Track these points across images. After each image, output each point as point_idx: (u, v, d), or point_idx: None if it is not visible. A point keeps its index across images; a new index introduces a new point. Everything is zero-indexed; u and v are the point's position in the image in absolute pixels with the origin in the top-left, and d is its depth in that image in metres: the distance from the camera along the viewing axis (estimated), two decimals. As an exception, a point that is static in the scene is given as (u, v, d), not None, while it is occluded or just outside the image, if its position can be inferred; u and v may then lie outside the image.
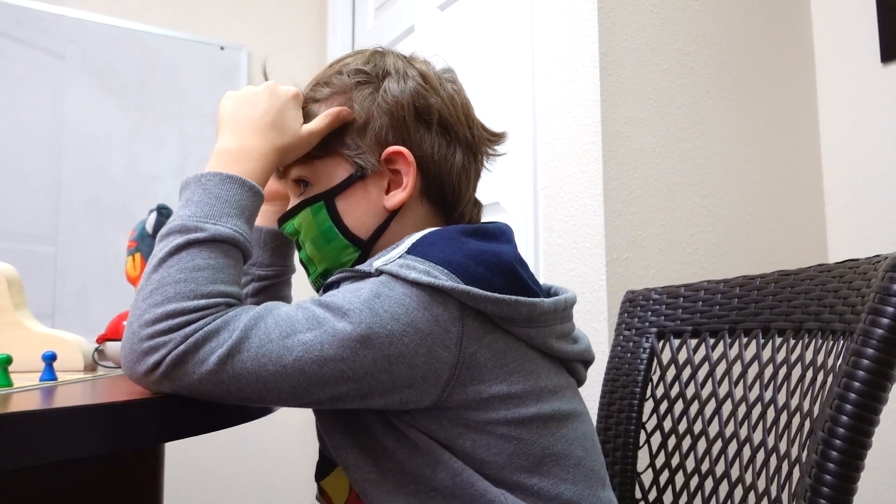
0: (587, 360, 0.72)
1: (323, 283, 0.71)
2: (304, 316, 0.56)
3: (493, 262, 0.61)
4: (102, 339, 0.94)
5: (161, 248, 0.58)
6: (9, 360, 0.62)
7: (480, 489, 0.59)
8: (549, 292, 0.71)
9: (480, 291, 0.58)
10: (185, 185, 0.63)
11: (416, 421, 0.60)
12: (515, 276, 0.62)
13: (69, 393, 0.59)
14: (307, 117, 0.70)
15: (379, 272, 0.59)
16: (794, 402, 0.75)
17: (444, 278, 0.57)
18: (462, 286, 0.57)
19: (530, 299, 0.61)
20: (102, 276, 2.01)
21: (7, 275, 0.91)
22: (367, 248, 0.70)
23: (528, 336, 0.62)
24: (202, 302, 0.55)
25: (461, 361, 0.58)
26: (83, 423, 0.47)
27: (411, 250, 0.61)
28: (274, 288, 0.87)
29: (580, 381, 0.72)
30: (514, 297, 0.60)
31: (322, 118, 0.69)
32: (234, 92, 0.70)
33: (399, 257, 0.60)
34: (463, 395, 0.59)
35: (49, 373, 0.69)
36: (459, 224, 0.72)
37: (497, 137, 0.77)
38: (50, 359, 0.69)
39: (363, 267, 0.61)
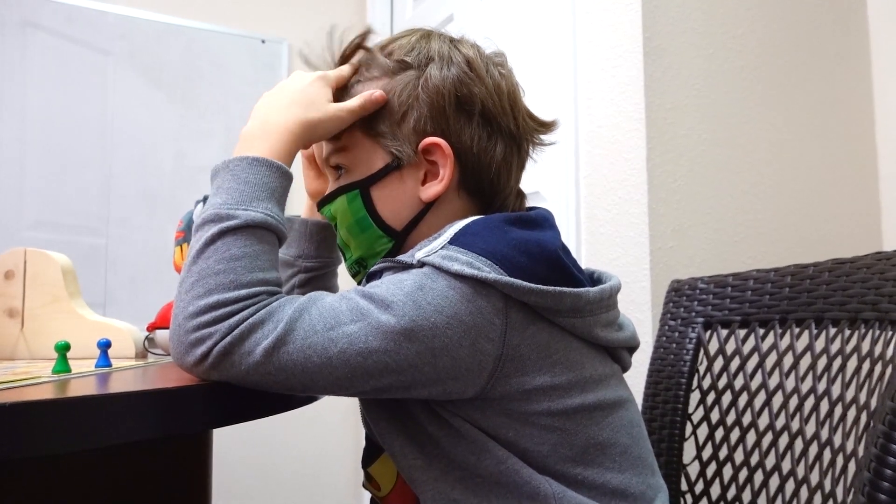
0: (632, 347, 0.71)
1: (358, 269, 0.72)
2: (348, 307, 0.56)
3: (536, 251, 0.60)
4: (152, 328, 0.96)
5: (198, 238, 0.59)
6: (67, 347, 0.64)
7: (525, 476, 0.59)
8: (592, 277, 0.70)
9: (525, 283, 0.57)
10: (214, 173, 0.63)
11: (460, 410, 0.60)
12: (560, 265, 0.61)
13: (124, 379, 0.60)
14: (349, 97, 0.69)
15: (421, 263, 0.58)
16: (850, 394, 0.72)
17: (487, 270, 0.56)
18: (506, 278, 0.56)
19: (575, 290, 0.60)
20: (152, 266, 2.06)
21: (62, 265, 0.94)
22: (401, 238, 0.69)
23: (572, 326, 0.61)
24: (243, 292, 0.56)
25: (505, 353, 0.58)
26: (140, 408, 0.48)
27: (454, 241, 0.60)
28: (321, 279, 0.88)
29: (625, 368, 0.71)
30: (558, 289, 0.59)
31: (356, 100, 0.67)
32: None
33: (441, 248, 0.59)
34: (507, 386, 0.58)
35: (104, 359, 0.71)
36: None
37: (545, 127, 0.74)
38: (105, 346, 0.72)
39: (405, 258, 0.61)
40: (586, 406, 0.61)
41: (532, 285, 0.57)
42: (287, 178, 0.64)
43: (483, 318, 0.57)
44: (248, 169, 0.62)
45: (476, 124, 0.68)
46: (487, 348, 0.57)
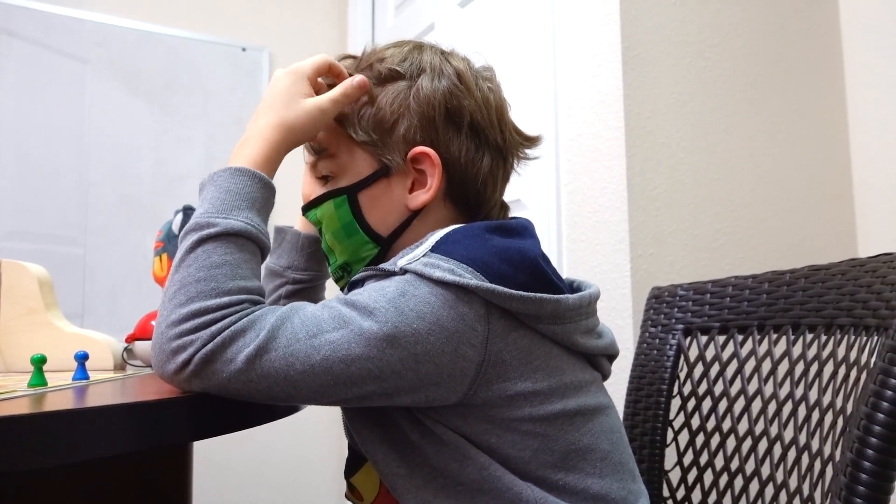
0: (612, 355, 0.72)
1: (342, 274, 0.72)
2: (331, 315, 0.57)
3: (517, 258, 0.61)
4: (131, 339, 0.95)
5: (181, 248, 0.59)
6: (44, 360, 0.63)
7: (507, 483, 0.59)
8: (571, 286, 0.71)
9: (505, 290, 0.58)
10: (202, 185, 0.64)
11: (441, 417, 0.60)
12: (540, 272, 0.62)
13: (102, 392, 0.60)
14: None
15: (404, 271, 0.59)
16: (826, 399, 0.73)
17: (469, 276, 0.57)
18: (487, 284, 0.57)
19: (555, 296, 0.61)
20: (130, 277, 2.04)
21: (38, 276, 0.93)
22: (386, 245, 0.70)
23: (552, 333, 0.62)
24: (224, 299, 0.56)
25: (487, 360, 0.58)
26: (119, 422, 0.48)
27: (435, 248, 0.61)
28: (308, 291, 0.88)
29: (605, 375, 0.72)
30: (539, 295, 0.59)
31: (337, 89, 0.67)
32: None
33: (423, 255, 0.60)
34: (488, 392, 0.59)
35: (82, 372, 0.70)
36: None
37: (530, 141, 0.76)
38: (82, 358, 0.71)
39: (388, 265, 0.61)
40: (567, 412, 0.62)
41: (513, 291, 0.58)
42: (268, 189, 0.64)
43: (465, 324, 0.57)
44: (229, 179, 0.62)
45: (464, 136, 0.69)
46: (469, 354, 0.57)
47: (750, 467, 0.82)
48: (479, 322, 0.58)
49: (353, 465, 0.71)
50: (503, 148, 0.72)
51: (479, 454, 0.59)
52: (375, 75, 0.70)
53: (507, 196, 0.77)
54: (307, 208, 0.74)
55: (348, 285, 0.64)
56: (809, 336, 0.78)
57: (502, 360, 0.59)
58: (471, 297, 0.57)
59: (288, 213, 0.73)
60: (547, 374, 0.61)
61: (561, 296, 0.62)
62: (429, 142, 0.68)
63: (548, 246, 1.43)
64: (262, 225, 0.62)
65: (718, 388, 0.89)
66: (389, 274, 0.60)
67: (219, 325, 0.55)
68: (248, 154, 0.64)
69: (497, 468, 0.59)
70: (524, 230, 0.67)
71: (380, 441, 0.62)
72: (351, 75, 0.70)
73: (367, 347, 0.55)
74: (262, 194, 0.63)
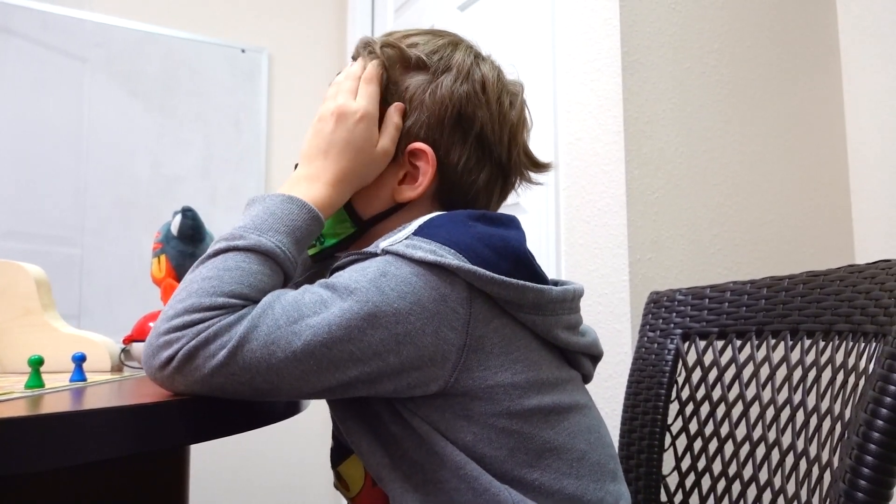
0: (594, 355, 0.72)
1: (314, 243, 0.72)
2: (311, 299, 0.56)
3: (500, 245, 0.61)
4: (129, 340, 0.95)
5: (206, 253, 0.59)
6: (41, 362, 0.62)
7: (485, 483, 0.58)
8: (556, 285, 0.71)
9: (487, 273, 0.58)
10: (250, 202, 0.63)
11: (419, 409, 0.60)
12: (523, 261, 0.62)
13: (100, 394, 0.59)
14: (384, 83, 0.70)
15: (385, 252, 0.59)
16: (825, 405, 0.73)
17: (450, 257, 0.57)
18: (468, 266, 0.57)
19: (538, 285, 0.61)
20: (128, 278, 2.03)
21: (35, 276, 0.92)
22: (364, 228, 0.70)
23: (533, 323, 0.62)
24: (221, 300, 0.55)
25: (468, 344, 0.58)
26: (116, 424, 0.48)
27: (418, 232, 0.61)
28: None
29: (587, 377, 0.72)
30: (521, 282, 0.60)
31: (389, 129, 0.68)
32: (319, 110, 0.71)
33: (405, 238, 0.60)
34: (469, 381, 0.59)
35: (79, 373, 0.70)
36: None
37: (537, 167, 0.76)
38: (80, 360, 0.70)
39: (370, 249, 0.61)
40: (542, 408, 0.62)
41: (495, 276, 0.58)
42: (316, 223, 0.64)
43: (446, 305, 0.57)
44: (278, 204, 0.62)
45: (469, 145, 0.69)
46: (451, 337, 0.57)
47: (748, 472, 0.82)
48: (461, 305, 0.57)
49: (339, 454, 0.71)
50: (507, 166, 0.72)
51: (454, 452, 0.59)
52: (400, 57, 0.70)
53: (507, 200, 0.77)
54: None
55: (331, 270, 0.64)
56: (808, 342, 0.78)
57: (483, 346, 0.59)
58: (453, 279, 0.57)
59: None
60: (526, 367, 0.61)
61: (544, 286, 0.62)
62: (431, 141, 0.68)
63: (546, 249, 1.43)
64: (293, 252, 0.61)
65: (716, 393, 0.89)
66: (371, 256, 0.60)
67: (207, 323, 0.54)
68: (310, 193, 0.64)
69: (474, 468, 0.59)
70: (510, 222, 0.67)
71: (364, 432, 0.62)
72: (355, 54, 0.71)
73: (348, 329, 0.55)
74: (306, 225, 0.63)
